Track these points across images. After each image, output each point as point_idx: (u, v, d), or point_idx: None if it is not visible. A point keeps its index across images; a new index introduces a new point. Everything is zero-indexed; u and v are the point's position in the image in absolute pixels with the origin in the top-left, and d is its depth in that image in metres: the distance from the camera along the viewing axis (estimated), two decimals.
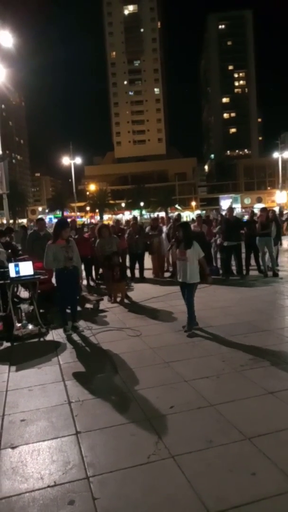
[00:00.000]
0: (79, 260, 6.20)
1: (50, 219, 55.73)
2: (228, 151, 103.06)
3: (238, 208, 61.16)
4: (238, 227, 10.20)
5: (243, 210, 57.02)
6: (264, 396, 3.58)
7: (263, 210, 10.93)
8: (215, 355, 4.70)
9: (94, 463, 2.73)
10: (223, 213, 14.90)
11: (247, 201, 76.35)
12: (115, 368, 4.47)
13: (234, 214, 10.83)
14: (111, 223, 18.05)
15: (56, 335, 5.96)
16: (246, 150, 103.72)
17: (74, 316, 6.27)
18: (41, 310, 6.57)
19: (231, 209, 10.89)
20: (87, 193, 69.89)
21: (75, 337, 5.81)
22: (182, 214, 33.32)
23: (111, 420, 3.29)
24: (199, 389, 3.77)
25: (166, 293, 8.47)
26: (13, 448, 2.99)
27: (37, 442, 3.05)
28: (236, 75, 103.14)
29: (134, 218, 11.79)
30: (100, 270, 10.36)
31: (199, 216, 11.58)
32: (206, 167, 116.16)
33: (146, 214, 62.45)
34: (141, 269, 10.53)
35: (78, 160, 50.10)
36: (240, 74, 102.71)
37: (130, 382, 4.05)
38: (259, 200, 75.13)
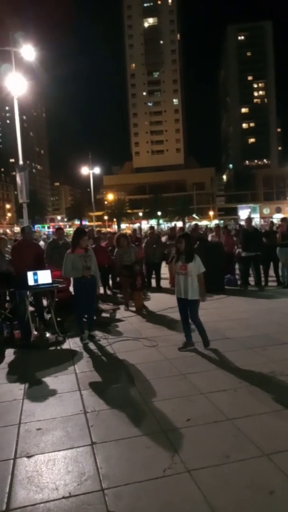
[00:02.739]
0: (97, 269, 6.24)
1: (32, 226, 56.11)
2: (247, 161, 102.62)
3: (257, 218, 60.55)
4: (256, 237, 10.09)
5: (262, 221, 56.44)
6: (282, 411, 3.50)
7: (283, 220, 10.80)
8: (232, 368, 4.63)
9: (109, 475, 2.70)
10: (242, 223, 14.81)
11: (266, 211, 75.57)
12: (131, 379, 4.45)
13: (253, 224, 10.74)
14: (129, 232, 18.15)
15: (73, 343, 5.98)
16: (265, 160, 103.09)
17: (90, 325, 6.29)
18: (58, 319, 6.63)
19: (249, 219, 10.79)
20: (105, 202, 70.51)
21: (92, 346, 5.82)
22: (199, 223, 33.29)
23: (126, 432, 3.27)
24: (216, 402, 3.71)
25: None
26: (28, 457, 2.99)
27: (53, 451, 3.05)
28: (255, 85, 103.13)
29: (151, 227, 11.80)
30: (117, 279, 10.41)
31: (217, 226, 11.50)
32: (224, 177, 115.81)
33: (163, 224, 62.57)
34: (158, 278, 10.52)
35: (97, 170, 50.78)
36: (260, 84, 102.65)
37: (146, 393, 4.02)
38: (278, 210, 74.17)
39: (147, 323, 7.09)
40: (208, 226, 35.85)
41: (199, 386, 4.12)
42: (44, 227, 62.75)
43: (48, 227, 64.53)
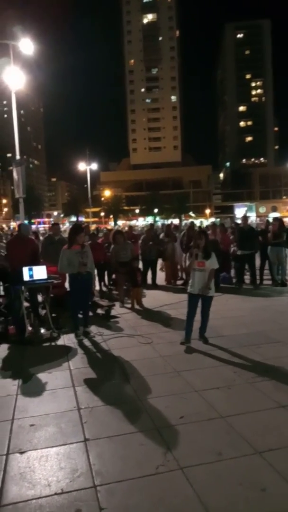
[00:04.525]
0: (93, 266, 6.23)
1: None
2: (244, 160, 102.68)
3: (253, 217, 60.69)
4: (252, 236, 10.11)
5: (258, 219, 56.58)
6: (275, 409, 3.51)
7: (275, 219, 10.84)
8: (226, 365, 4.64)
9: (102, 472, 2.70)
10: (238, 221, 14.85)
11: (262, 209, 75.77)
12: (125, 376, 4.44)
13: (249, 222, 10.76)
14: (126, 228, 18.13)
15: (67, 339, 5.97)
16: (262, 159, 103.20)
17: (85, 321, 6.28)
18: (53, 315, 6.61)
19: (245, 218, 10.82)
20: (102, 198, 70.37)
21: (86, 342, 5.81)
22: (195, 221, 33.32)
23: (120, 429, 3.27)
24: (210, 400, 3.72)
25: (179, 300, 8.41)
26: (21, 453, 2.99)
27: (46, 448, 3.04)
28: (253, 84, 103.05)
29: (151, 224, 11.77)
30: (113, 276, 10.39)
31: (213, 224, 11.50)
32: (221, 175, 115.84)
33: (160, 221, 62.55)
34: (154, 275, 10.51)
35: (94, 166, 50.58)
36: (257, 82, 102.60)
37: (140, 390, 4.02)
38: (274, 209, 74.47)
39: (142, 320, 7.09)
40: (202, 224, 35.76)
41: (193, 384, 4.12)
42: (33, 222, 60.58)
43: (40, 223, 63.58)
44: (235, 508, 2.31)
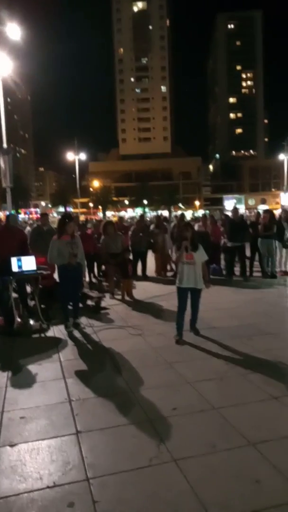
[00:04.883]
0: (83, 257, 6.16)
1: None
2: (234, 152, 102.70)
3: (242, 209, 60.94)
4: (242, 228, 10.11)
5: (247, 211, 56.85)
6: (268, 401, 3.51)
7: (266, 211, 10.85)
8: (218, 357, 4.63)
9: (95, 465, 2.67)
10: (228, 213, 14.82)
11: (251, 202, 76.12)
12: (116, 367, 4.41)
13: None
14: (115, 219, 18.01)
15: (57, 331, 5.90)
16: (251, 151, 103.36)
17: (76, 313, 6.21)
18: (42, 306, 6.52)
19: (236, 210, 10.79)
20: (91, 189, 69.75)
21: (77, 334, 5.75)
22: (186, 213, 33.32)
23: (112, 421, 3.23)
24: (202, 392, 3.71)
25: (169, 292, 8.38)
26: (12, 446, 2.93)
27: (37, 440, 2.99)
28: (244, 76, 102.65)
29: (141, 215, 11.69)
30: (102, 267, 10.32)
31: (204, 215, 11.47)
32: (210, 166, 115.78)
33: (149, 212, 62.40)
34: (144, 267, 10.47)
35: (83, 156, 49.91)
36: (248, 74, 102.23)
37: (132, 382, 3.99)
38: (263, 202, 74.87)
39: (133, 311, 7.05)
40: (193, 215, 35.79)
41: (185, 375, 4.10)
42: (19, 212, 59.22)
43: (27, 213, 62.61)
44: (230, 501, 2.30)
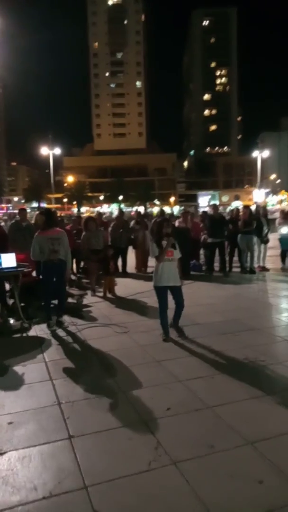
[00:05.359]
0: (68, 253, 5.95)
1: None
2: (208, 148, 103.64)
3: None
4: (222, 224, 10.16)
5: (221, 208, 57.52)
6: (262, 398, 3.49)
7: (246, 207, 10.96)
8: (206, 354, 4.59)
9: (92, 471, 2.55)
10: (207, 209, 14.89)
11: (225, 198, 77.12)
12: (104, 367, 4.29)
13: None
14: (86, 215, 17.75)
15: (39, 330, 5.71)
16: (225, 148, 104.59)
17: (59, 311, 6.05)
18: (21, 304, 6.30)
19: (215, 206, 10.84)
20: (65, 184, 68.76)
21: (60, 333, 5.59)
22: (164, 208, 33.27)
23: (105, 423, 3.12)
24: (194, 390, 3.65)
25: (151, 288, 8.20)
26: (1, 454, 2.78)
27: (28, 447, 2.84)
28: (218, 73, 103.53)
29: (120, 211, 11.55)
30: (81, 264, 10.14)
31: (185, 211, 11.45)
32: (185, 163, 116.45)
33: (125, 208, 62.13)
34: (124, 263, 10.36)
35: (57, 151, 49.04)
36: (222, 71, 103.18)
37: (121, 382, 3.88)
38: (237, 198, 76.06)
39: (116, 308, 6.93)
40: (172, 211, 35.85)
41: (175, 373, 4.04)
42: None
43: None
44: (235, 503, 2.24)
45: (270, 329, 5.60)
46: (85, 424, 3.12)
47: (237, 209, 11.46)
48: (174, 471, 2.53)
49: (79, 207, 63.79)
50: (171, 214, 10.87)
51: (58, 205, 63.10)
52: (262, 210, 11.02)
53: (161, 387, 3.76)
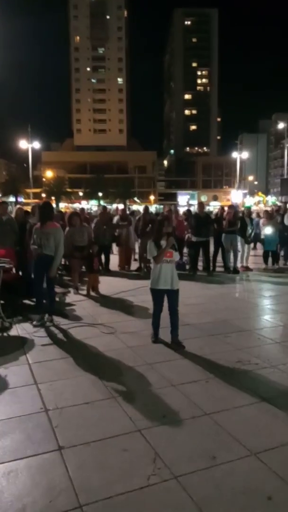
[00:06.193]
0: (58, 249, 5.65)
1: None
2: (188, 148, 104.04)
3: (195, 205, 61.96)
4: (207, 223, 10.06)
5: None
6: (260, 404, 3.35)
7: (231, 207, 10.91)
8: (199, 356, 4.43)
9: (86, 487, 2.34)
10: (191, 208, 14.80)
11: (203, 198, 77.37)
12: (93, 370, 4.06)
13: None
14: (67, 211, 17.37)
15: (21, 330, 5.42)
16: (205, 148, 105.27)
17: (38, 308, 5.81)
18: (1, 301, 5.98)
19: (201, 205, 10.73)
20: (44, 179, 67.55)
21: (43, 333, 5.31)
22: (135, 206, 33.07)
23: (97, 432, 2.90)
24: (190, 395, 3.48)
25: (136, 287, 8.12)
26: None
27: (14, 460, 2.60)
28: (199, 73, 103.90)
29: (104, 207, 11.28)
30: (63, 261, 9.82)
31: (169, 210, 11.29)
32: (165, 162, 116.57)
33: (105, 205, 61.55)
34: (107, 261, 10.11)
35: (36, 145, 48.06)
36: (203, 72, 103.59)
37: (111, 386, 3.67)
38: (215, 198, 76.72)
39: (101, 307, 6.70)
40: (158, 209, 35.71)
41: (168, 377, 3.86)
42: None
43: None
44: None
45: (260, 330, 5.50)
46: (76, 433, 2.90)
47: (222, 209, 11.41)
48: (177, 487, 2.34)
49: (57, 202, 62.76)
50: (146, 211, 10.64)
51: (37, 200, 61.85)
52: (246, 210, 10.99)
53: (155, 392, 3.57)
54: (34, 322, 5.55)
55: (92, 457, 2.63)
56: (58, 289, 7.53)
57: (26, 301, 6.79)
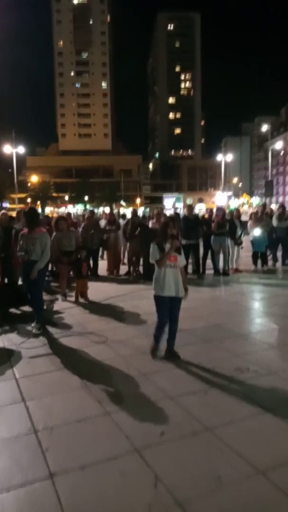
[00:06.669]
0: (43, 253, 5.40)
1: None
2: (173, 151, 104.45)
3: (180, 208, 62.02)
4: (197, 225, 9.93)
5: (185, 210, 57.90)
6: (262, 416, 3.16)
7: (219, 209, 10.80)
8: (195, 364, 4.23)
9: None
10: (178, 211, 14.64)
11: (189, 201, 77.56)
12: (84, 383, 3.82)
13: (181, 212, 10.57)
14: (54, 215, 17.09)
15: (7, 341, 5.14)
16: (190, 151, 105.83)
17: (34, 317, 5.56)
18: None
19: (190, 207, 10.59)
20: (29, 184, 66.87)
21: (29, 344, 5.04)
22: (123, 210, 32.82)
23: (92, 454, 2.67)
24: (188, 409, 3.27)
25: (125, 292, 7.91)
26: None
27: (0, 491, 2.35)
28: (182, 76, 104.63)
29: (91, 211, 11.04)
30: (50, 266, 9.55)
31: (158, 212, 11.10)
32: (150, 165, 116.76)
33: (90, 209, 61.17)
34: (95, 266, 9.87)
35: (21, 149, 47.49)
36: (187, 75, 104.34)
37: (105, 401, 3.44)
38: (201, 201, 77.05)
39: (91, 315, 6.45)
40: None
41: (164, 389, 3.65)
42: None
43: None
44: None
45: (255, 334, 5.34)
46: (68, 456, 2.66)
47: (211, 211, 11.28)
48: None
49: (43, 207, 62.13)
50: (135, 214, 10.45)
51: (22, 205, 61.16)
52: (236, 212, 10.89)
53: (151, 405, 3.35)
54: (34, 330, 5.32)
55: (87, 484, 2.40)
56: (45, 296, 7.26)
57: (13, 310, 6.53)
